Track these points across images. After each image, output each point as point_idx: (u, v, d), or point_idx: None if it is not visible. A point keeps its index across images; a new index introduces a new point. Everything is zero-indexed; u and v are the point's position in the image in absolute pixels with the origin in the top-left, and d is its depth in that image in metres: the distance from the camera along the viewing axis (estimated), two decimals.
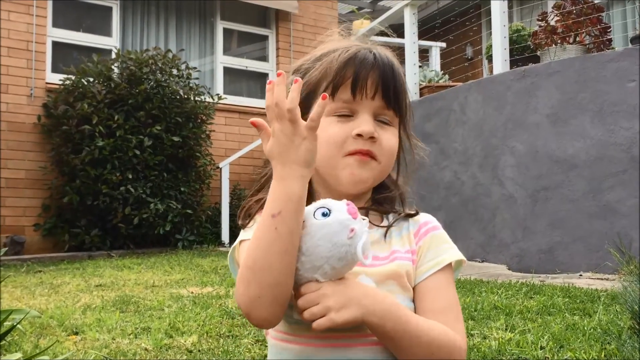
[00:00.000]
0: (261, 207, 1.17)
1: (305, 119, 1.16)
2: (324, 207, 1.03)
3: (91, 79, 7.53)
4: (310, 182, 1.20)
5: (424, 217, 1.25)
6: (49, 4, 8.20)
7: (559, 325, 2.78)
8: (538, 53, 6.01)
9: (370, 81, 1.14)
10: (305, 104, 1.18)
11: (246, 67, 9.86)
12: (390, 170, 1.22)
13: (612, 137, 4.59)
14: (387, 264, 1.14)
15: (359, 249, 1.00)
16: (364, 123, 1.14)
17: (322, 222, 1.01)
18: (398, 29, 7.53)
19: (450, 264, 1.18)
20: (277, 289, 0.99)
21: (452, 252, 1.20)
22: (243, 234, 1.16)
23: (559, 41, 5.64)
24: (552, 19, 5.90)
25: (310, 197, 1.15)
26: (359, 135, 1.13)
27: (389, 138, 1.17)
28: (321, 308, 0.99)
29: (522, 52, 6.75)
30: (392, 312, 1.04)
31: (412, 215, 1.24)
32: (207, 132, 8.23)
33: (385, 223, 1.22)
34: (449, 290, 1.17)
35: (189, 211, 7.76)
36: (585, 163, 4.70)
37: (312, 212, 1.02)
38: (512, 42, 6.42)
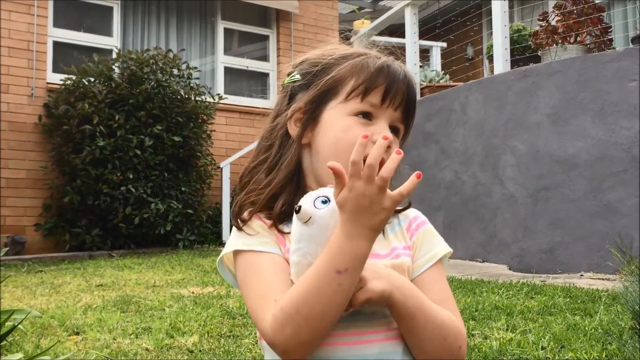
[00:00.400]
0: (259, 211, 1.16)
1: (317, 113, 1.17)
2: (320, 196, 1.02)
3: (92, 79, 7.53)
4: (304, 177, 1.20)
5: (412, 212, 1.26)
6: (50, 4, 8.20)
7: (560, 326, 2.78)
8: (539, 53, 6.01)
9: (400, 92, 1.17)
10: (324, 97, 1.18)
11: (247, 67, 9.86)
12: None
13: (613, 137, 4.59)
14: (392, 259, 1.15)
15: None
16: (384, 130, 1.14)
17: (329, 210, 1.01)
18: (399, 29, 7.53)
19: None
20: (327, 333, 1.02)
21: (442, 245, 1.23)
22: (240, 243, 1.15)
23: (559, 41, 5.63)
24: (553, 19, 5.90)
25: (302, 193, 1.15)
26: None
27: (394, 149, 1.17)
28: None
29: (523, 52, 6.75)
30: (413, 290, 1.07)
31: (400, 210, 1.24)
32: (208, 132, 8.23)
33: None
34: (443, 282, 1.20)
35: (190, 211, 7.76)
36: (586, 163, 4.70)
37: (312, 203, 1.02)
38: (512, 42, 6.42)
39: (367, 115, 1.16)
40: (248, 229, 1.15)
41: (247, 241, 1.13)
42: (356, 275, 0.99)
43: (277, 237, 1.14)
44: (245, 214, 1.16)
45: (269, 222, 1.15)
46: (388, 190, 0.96)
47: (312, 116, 1.19)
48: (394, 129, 1.19)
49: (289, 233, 1.13)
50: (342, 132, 1.14)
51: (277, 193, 1.17)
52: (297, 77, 1.24)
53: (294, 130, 1.20)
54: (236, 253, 1.15)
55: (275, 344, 1.02)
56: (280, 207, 1.15)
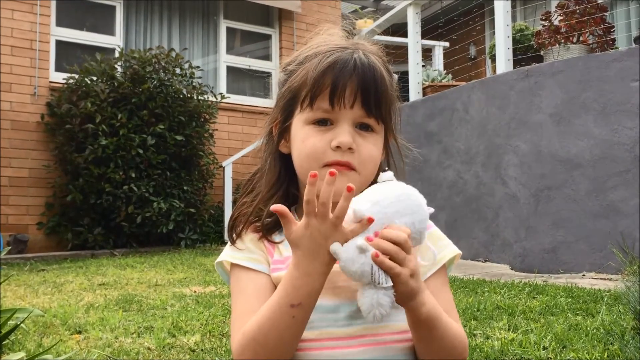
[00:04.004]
0: (249, 223, 1.17)
1: (287, 123, 1.17)
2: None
3: (95, 78, 7.55)
4: (297, 187, 1.20)
5: None
6: (53, 3, 8.21)
7: (561, 326, 2.77)
8: (541, 53, 6.00)
9: (348, 90, 1.11)
10: (288, 109, 1.18)
11: (249, 66, 9.86)
12: (372, 178, 1.18)
13: (616, 137, 4.59)
14: None
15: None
16: (342, 134, 1.11)
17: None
18: (401, 28, 7.52)
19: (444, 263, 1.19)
20: (287, 359, 1.04)
21: (450, 248, 1.21)
22: (230, 255, 1.17)
23: (562, 41, 5.63)
24: (556, 19, 5.89)
25: (297, 201, 1.15)
26: (338, 146, 1.11)
27: (368, 147, 1.14)
28: (402, 259, 0.98)
29: (526, 51, 6.74)
30: (433, 298, 1.05)
31: None
32: (210, 131, 8.24)
33: None
34: (447, 288, 1.18)
35: (192, 210, 7.77)
36: (589, 163, 4.69)
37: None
38: (515, 41, 6.41)
39: (324, 122, 1.13)
40: (239, 244, 1.17)
41: (236, 255, 1.16)
42: (309, 311, 1.01)
43: (266, 249, 1.16)
44: (240, 227, 1.18)
45: (260, 234, 1.17)
46: (343, 226, 0.96)
47: (283, 126, 1.19)
48: (364, 126, 1.14)
49: (280, 242, 1.15)
50: (301, 142, 1.13)
51: (266, 203, 1.18)
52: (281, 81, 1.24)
53: (275, 140, 1.21)
54: (232, 267, 1.18)
55: None
56: (266, 217, 1.16)
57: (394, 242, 0.97)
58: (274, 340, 1.01)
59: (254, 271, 1.14)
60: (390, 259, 0.96)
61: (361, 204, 0.99)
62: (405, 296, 0.99)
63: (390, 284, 0.97)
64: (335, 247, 0.97)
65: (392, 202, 1.01)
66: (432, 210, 1.07)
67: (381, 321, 0.98)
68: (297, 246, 0.98)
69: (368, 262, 0.96)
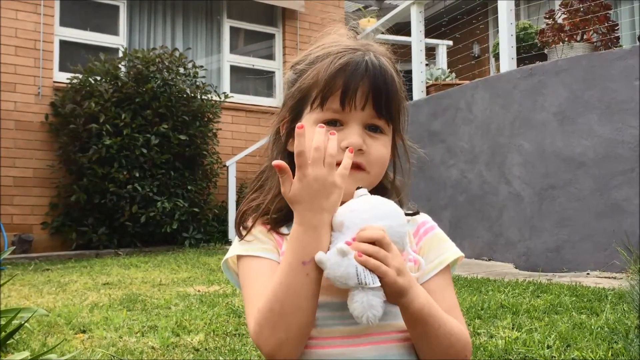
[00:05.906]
0: (259, 215, 1.17)
1: (293, 126, 1.16)
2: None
3: (98, 78, 7.56)
4: None
5: (421, 217, 1.24)
6: (57, 3, 8.23)
7: (565, 324, 2.77)
8: (545, 51, 5.99)
9: (360, 92, 1.12)
10: (297, 109, 1.18)
11: (253, 65, 9.87)
12: (381, 178, 1.20)
13: (620, 135, 4.58)
14: None
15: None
16: (352, 135, 1.12)
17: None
18: (405, 27, 7.52)
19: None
20: (305, 329, 1.03)
21: (453, 250, 1.21)
22: (240, 249, 1.17)
23: (566, 39, 5.61)
24: (560, 17, 5.88)
25: None
26: (348, 147, 1.11)
27: (378, 148, 1.15)
28: (384, 257, 0.97)
29: (529, 50, 6.73)
30: (426, 294, 1.05)
31: (410, 215, 1.23)
32: (214, 131, 8.25)
33: None
34: (450, 289, 1.18)
35: (196, 209, 7.78)
36: (593, 161, 4.68)
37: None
38: (519, 40, 6.40)
39: (334, 122, 1.13)
40: (248, 236, 1.17)
41: (246, 247, 1.16)
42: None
43: (275, 241, 1.16)
44: (249, 221, 1.18)
45: (268, 226, 1.17)
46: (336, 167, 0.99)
47: (292, 126, 1.18)
48: (373, 127, 1.15)
49: (288, 234, 1.14)
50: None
51: (275, 199, 1.18)
52: (289, 81, 1.25)
53: (283, 139, 1.22)
54: (238, 257, 1.17)
55: (259, 346, 1.04)
56: (275, 212, 1.17)
57: (372, 242, 0.98)
58: (290, 306, 1.00)
59: (265, 259, 1.14)
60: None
61: (338, 212, 1.02)
62: (395, 295, 0.99)
63: (378, 283, 0.97)
64: (320, 256, 0.98)
65: (368, 209, 1.02)
66: (409, 218, 1.09)
67: (375, 323, 0.97)
68: (296, 202, 1.00)
69: (352, 264, 0.96)
